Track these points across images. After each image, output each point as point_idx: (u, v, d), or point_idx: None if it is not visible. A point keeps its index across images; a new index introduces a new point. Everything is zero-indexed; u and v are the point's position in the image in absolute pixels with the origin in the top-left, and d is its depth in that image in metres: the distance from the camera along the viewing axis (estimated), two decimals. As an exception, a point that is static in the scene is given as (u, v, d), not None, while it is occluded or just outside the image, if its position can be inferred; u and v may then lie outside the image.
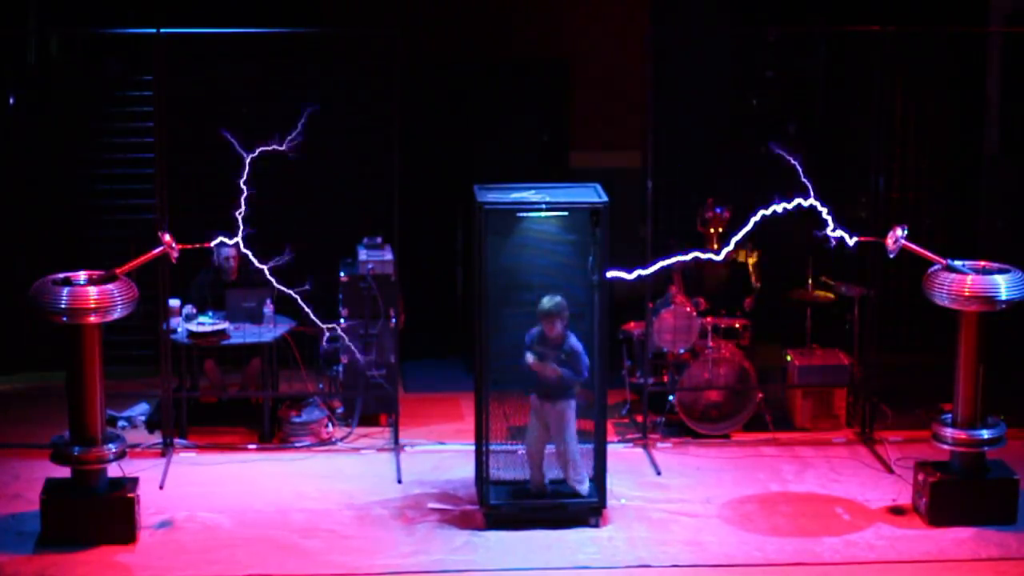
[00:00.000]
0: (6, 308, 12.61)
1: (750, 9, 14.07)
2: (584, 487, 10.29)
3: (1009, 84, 13.72)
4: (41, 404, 12.43)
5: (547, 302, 10.06)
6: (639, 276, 10.41)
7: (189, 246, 10.51)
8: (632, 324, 12.38)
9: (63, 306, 9.79)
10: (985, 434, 10.38)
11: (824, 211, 10.36)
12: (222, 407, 12.37)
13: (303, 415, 11.92)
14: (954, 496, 10.36)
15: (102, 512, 9.98)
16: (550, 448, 10.39)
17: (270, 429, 11.89)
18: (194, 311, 12.06)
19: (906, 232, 10.39)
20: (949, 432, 10.42)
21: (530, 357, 10.10)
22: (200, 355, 12.16)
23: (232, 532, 10.23)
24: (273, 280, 10.68)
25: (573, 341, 10.12)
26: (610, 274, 10.09)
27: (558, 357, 10.11)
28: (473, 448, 10.59)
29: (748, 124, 14.17)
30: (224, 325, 11.96)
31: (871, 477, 11.27)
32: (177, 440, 11.71)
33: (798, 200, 10.36)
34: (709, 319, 12.17)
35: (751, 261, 12.51)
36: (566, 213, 10.19)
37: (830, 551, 10.00)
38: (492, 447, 10.34)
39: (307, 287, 10.93)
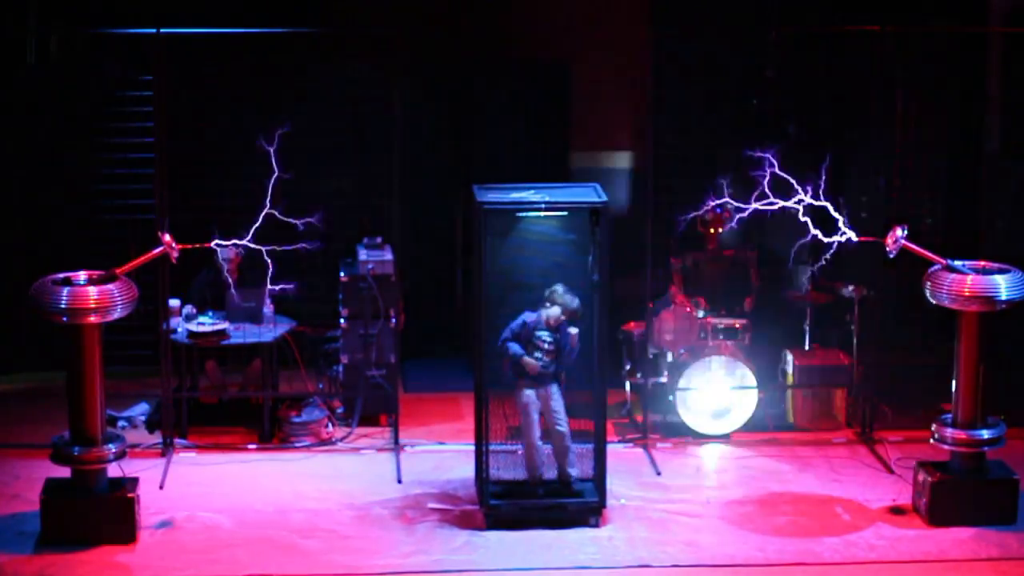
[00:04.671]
0: (6, 308, 12.61)
1: (750, 9, 14.06)
2: (575, 469, 10.32)
3: (1009, 84, 13.72)
4: (41, 404, 12.43)
5: (574, 302, 10.09)
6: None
7: (189, 246, 10.51)
8: (632, 324, 12.38)
9: (63, 306, 9.79)
10: (985, 434, 10.38)
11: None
12: (222, 407, 12.37)
13: (303, 415, 11.92)
14: (954, 496, 10.36)
15: (102, 512, 9.98)
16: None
17: (270, 429, 11.89)
18: (194, 311, 12.06)
19: (906, 232, 10.39)
20: (949, 432, 10.42)
21: (529, 360, 10.14)
22: (200, 355, 12.16)
23: (232, 532, 10.23)
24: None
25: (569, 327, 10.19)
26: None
27: (553, 339, 10.13)
28: (473, 448, 10.59)
29: (748, 124, 14.16)
30: (224, 325, 11.96)
31: (871, 477, 11.27)
32: (177, 440, 11.71)
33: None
34: (709, 319, 12.17)
35: (751, 261, 12.51)
36: (566, 213, 10.20)
37: (830, 551, 10.00)
38: (492, 447, 10.34)
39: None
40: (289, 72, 12.72)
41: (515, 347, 10.18)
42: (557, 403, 10.27)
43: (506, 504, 10.30)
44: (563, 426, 10.30)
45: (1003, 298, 10.13)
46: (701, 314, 12.14)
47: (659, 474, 11.30)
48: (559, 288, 10.16)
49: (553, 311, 10.15)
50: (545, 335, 10.19)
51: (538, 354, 10.18)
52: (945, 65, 13.44)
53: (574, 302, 10.12)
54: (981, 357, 10.31)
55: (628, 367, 12.42)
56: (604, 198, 10.14)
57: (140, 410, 12.29)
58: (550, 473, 10.42)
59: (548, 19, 14.21)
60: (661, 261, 12.21)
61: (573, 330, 10.13)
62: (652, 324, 11.96)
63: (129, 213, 11.95)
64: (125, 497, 10.02)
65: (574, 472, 10.36)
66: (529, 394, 10.27)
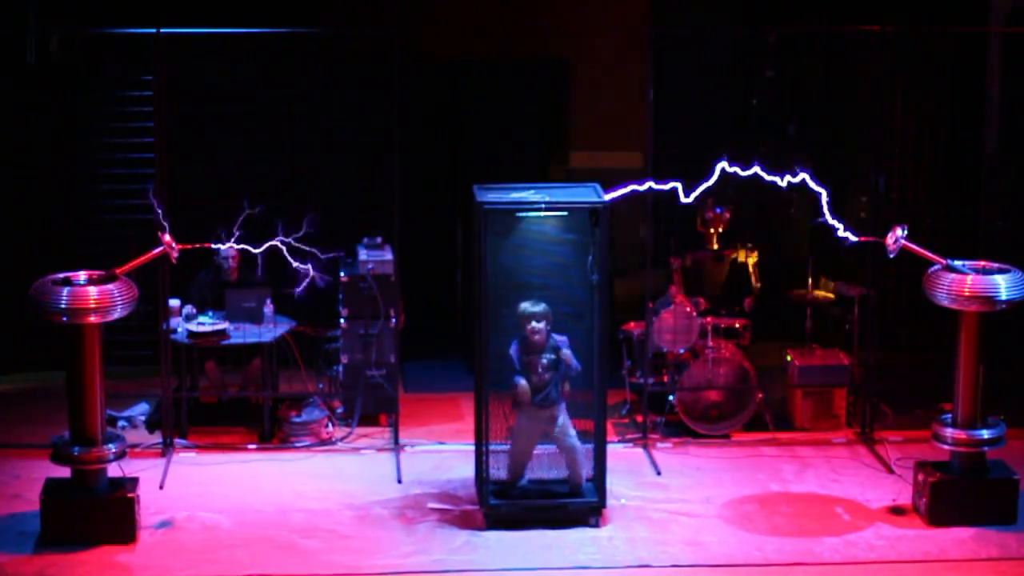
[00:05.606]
0: (6, 308, 12.61)
1: (750, 9, 14.07)
2: (585, 478, 10.35)
3: (1009, 84, 13.72)
4: (41, 404, 12.43)
5: (531, 306, 10.06)
6: None
7: (189, 246, 10.52)
8: (632, 324, 12.38)
9: (63, 306, 9.79)
10: (985, 434, 10.38)
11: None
12: (222, 407, 12.37)
13: (303, 415, 11.92)
14: (954, 496, 10.36)
15: (102, 512, 9.98)
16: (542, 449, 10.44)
17: (270, 429, 11.89)
18: (194, 311, 12.06)
19: (906, 232, 10.39)
20: (949, 432, 10.42)
21: (522, 384, 10.09)
22: (200, 355, 12.16)
23: (232, 532, 10.23)
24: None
25: (559, 338, 10.14)
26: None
27: (549, 359, 10.11)
28: (473, 448, 10.60)
29: (748, 124, 14.16)
30: (224, 325, 11.96)
31: (871, 477, 11.27)
32: (177, 440, 11.71)
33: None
34: (709, 319, 12.17)
35: (751, 261, 12.52)
36: (566, 213, 10.20)
37: (830, 551, 10.01)
38: (492, 447, 10.34)
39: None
40: (289, 72, 12.72)
41: (518, 379, 10.14)
42: (561, 421, 10.26)
43: (506, 504, 10.30)
44: (571, 439, 10.28)
45: (1003, 298, 10.13)
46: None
47: (659, 474, 11.30)
48: (520, 306, 10.11)
49: (529, 329, 10.12)
50: (535, 357, 10.16)
51: (521, 384, 10.14)
52: (945, 65, 13.44)
53: (533, 307, 10.05)
54: (981, 357, 10.31)
55: (628, 367, 12.42)
56: (604, 198, 10.14)
57: (140, 410, 12.29)
58: (535, 473, 10.44)
59: (548, 19, 14.21)
60: (661, 261, 12.21)
61: (566, 351, 10.12)
62: (652, 324, 11.96)
63: (129, 213, 11.95)
64: (125, 497, 10.02)
65: (584, 476, 10.37)
66: (524, 422, 10.25)
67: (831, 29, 13.56)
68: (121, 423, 12.01)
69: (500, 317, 10.21)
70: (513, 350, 10.11)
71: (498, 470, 10.45)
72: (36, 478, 10.56)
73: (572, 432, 10.30)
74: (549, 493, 10.40)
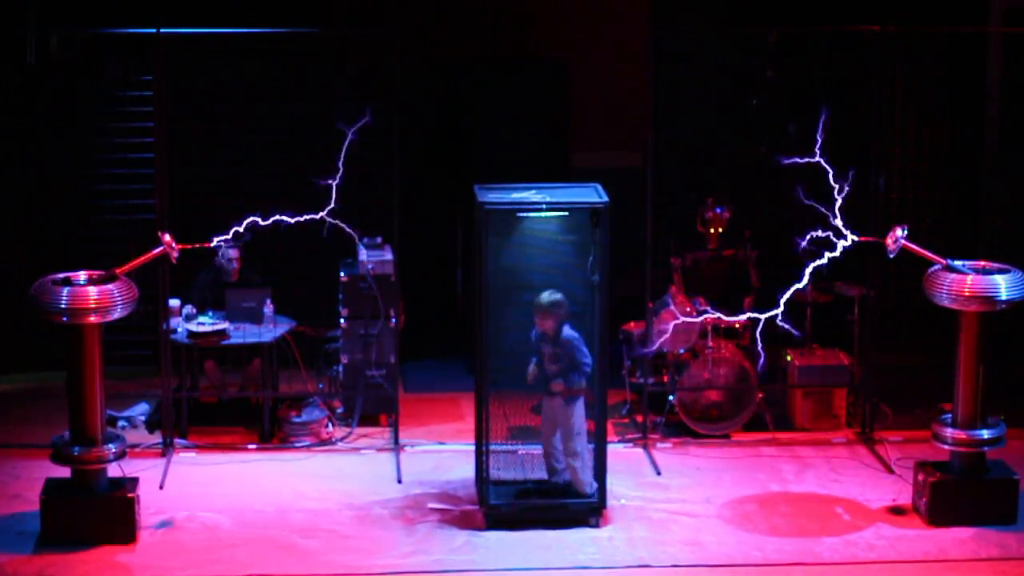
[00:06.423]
0: (6, 308, 12.61)
1: (750, 9, 14.06)
2: (589, 487, 10.29)
3: (1009, 84, 13.72)
4: (41, 404, 12.44)
5: (543, 298, 10.08)
6: None
7: (189, 246, 10.52)
8: (632, 324, 12.38)
9: (63, 306, 9.79)
10: (985, 434, 10.38)
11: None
12: (222, 407, 12.37)
13: (303, 415, 11.92)
14: (954, 496, 10.37)
15: (102, 512, 9.98)
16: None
17: (270, 429, 11.89)
18: (194, 311, 12.06)
19: (906, 232, 10.39)
20: (949, 432, 10.42)
21: (531, 367, 10.15)
22: (200, 355, 12.16)
23: (232, 532, 10.24)
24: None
25: (567, 334, 10.14)
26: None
27: (555, 352, 10.13)
28: (473, 448, 10.60)
29: (748, 124, 14.16)
30: (224, 325, 11.96)
31: (871, 477, 11.27)
32: (177, 440, 11.71)
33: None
34: (709, 319, 12.16)
35: (750, 261, 12.51)
36: (566, 213, 10.20)
37: (830, 551, 10.01)
38: (492, 447, 10.35)
39: None
40: (289, 72, 12.72)
41: (532, 360, 10.22)
42: (569, 424, 10.25)
43: (506, 504, 10.30)
44: (572, 451, 10.26)
45: (1003, 298, 10.13)
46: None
47: (659, 474, 11.30)
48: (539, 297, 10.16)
49: (539, 321, 10.16)
50: (545, 347, 10.19)
51: (531, 367, 10.18)
52: (945, 65, 13.44)
53: (541, 299, 10.08)
54: (981, 357, 10.31)
55: (628, 367, 12.42)
56: (605, 198, 10.14)
57: (140, 410, 12.30)
58: (535, 473, 10.46)
59: (548, 19, 14.21)
60: (661, 261, 12.20)
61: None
62: (652, 324, 11.95)
63: (129, 213, 11.94)
64: (125, 497, 10.02)
65: (588, 488, 10.32)
66: (545, 404, 10.31)
67: (831, 29, 13.55)
68: (121, 423, 12.01)
69: (500, 317, 10.21)
70: (532, 334, 10.19)
71: (498, 470, 10.45)
72: (36, 478, 10.56)
73: (572, 442, 10.26)
74: (549, 493, 10.40)
